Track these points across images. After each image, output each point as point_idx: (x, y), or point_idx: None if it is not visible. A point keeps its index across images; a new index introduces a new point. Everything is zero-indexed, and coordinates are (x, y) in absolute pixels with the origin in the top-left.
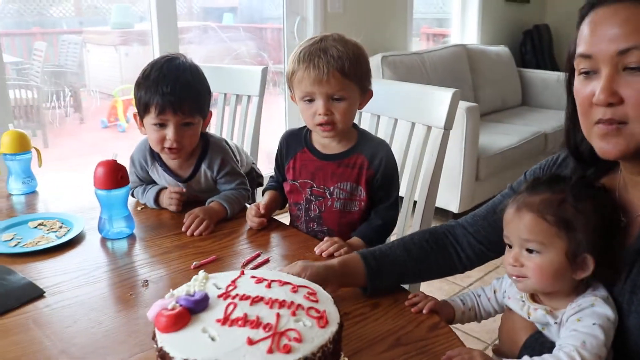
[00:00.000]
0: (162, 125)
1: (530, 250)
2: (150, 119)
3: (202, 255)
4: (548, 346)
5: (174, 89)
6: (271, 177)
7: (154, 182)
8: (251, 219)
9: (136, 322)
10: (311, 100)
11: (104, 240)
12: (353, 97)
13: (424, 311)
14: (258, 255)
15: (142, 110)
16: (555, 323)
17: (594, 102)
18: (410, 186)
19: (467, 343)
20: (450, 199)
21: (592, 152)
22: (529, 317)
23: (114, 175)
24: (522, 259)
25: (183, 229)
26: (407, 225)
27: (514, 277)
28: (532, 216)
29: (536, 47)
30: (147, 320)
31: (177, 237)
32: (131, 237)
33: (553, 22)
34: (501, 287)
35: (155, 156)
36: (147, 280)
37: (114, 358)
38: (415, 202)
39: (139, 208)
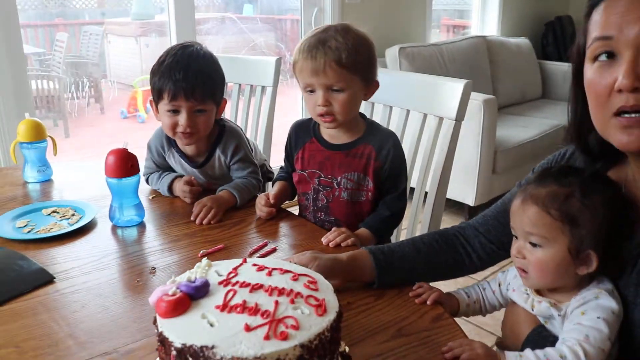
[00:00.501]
0: (175, 112)
1: (533, 244)
2: (164, 105)
3: (210, 243)
4: (551, 340)
5: (186, 76)
6: (281, 167)
7: (170, 169)
8: (260, 208)
9: (141, 309)
10: (312, 91)
11: (114, 228)
12: (354, 88)
13: (428, 302)
14: (265, 245)
15: (156, 96)
16: (559, 315)
17: (616, 88)
18: (422, 178)
19: (480, 337)
20: (466, 192)
21: (600, 146)
22: (532, 310)
23: (124, 164)
24: (525, 251)
25: (192, 217)
26: (417, 218)
27: (518, 270)
28: (537, 209)
29: (558, 38)
30: (152, 308)
31: (187, 226)
32: (141, 225)
33: (576, 13)
34: (505, 279)
35: (171, 142)
36: (154, 268)
37: (118, 342)
38: (426, 194)
39: (150, 197)
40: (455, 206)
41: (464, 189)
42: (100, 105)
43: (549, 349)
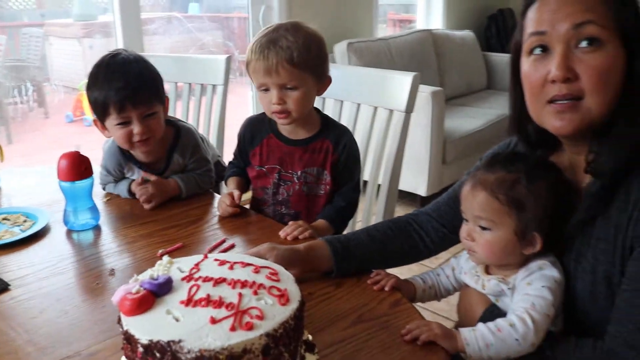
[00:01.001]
0: (125, 123)
1: (482, 227)
2: (112, 119)
3: (167, 243)
4: (503, 317)
5: (127, 83)
6: (230, 163)
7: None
8: (225, 208)
9: (103, 310)
10: (266, 90)
11: (69, 232)
12: (307, 85)
13: (386, 288)
14: (223, 241)
15: (101, 113)
16: (509, 289)
17: (550, 79)
18: (374, 170)
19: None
20: (418, 183)
21: (538, 135)
22: (483, 289)
23: (77, 167)
24: (475, 234)
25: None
26: (371, 210)
27: (467, 250)
28: (486, 195)
29: (501, 31)
30: (114, 308)
31: (143, 227)
32: (97, 228)
33: (517, 6)
34: (458, 264)
35: (127, 157)
36: (113, 269)
37: (80, 345)
38: (379, 187)
39: (104, 200)
40: (407, 197)
41: (416, 179)
42: (44, 109)
43: (499, 320)
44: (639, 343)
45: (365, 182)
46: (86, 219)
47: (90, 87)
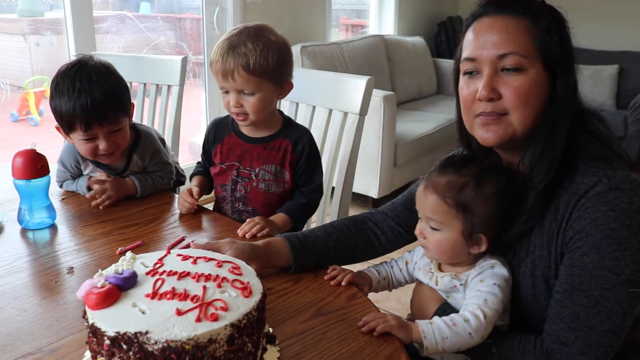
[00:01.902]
0: (92, 139)
1: (432, 227)
2: (78, 135)
3: (126, 241)
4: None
5: (94, 102)
6: (198, 163)
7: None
8: (182, 203)
9: (63, 307)
10: (227, 92)
11: (24, 231)
12: (264, 90)
13: (343, 283)
14: (182, 239)
15: (67, 126)
16: (461, 285)
17: (477, 98)
18: (329, 172)
19: None
20: (370, 185)
21: (477, 143)
22: (437, 285)
23: (33, 165)
24: (426, 232)
25: (87, 196)
26: (326, 211)
27: (422, 246)
28: (436, 198)
29: (450, 37)
30: (75, 305)
31: (101, 225)
32: (53, 227)
33: (465, 14)
34: (412, 259)
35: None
36: (72, 267)
37: (41, 342)
38: (333, 189)
39: (61, 198)
40: (360, 199)
41: (368, 182)
42: None
43: (454, 315)
44: (569, 339)
45: None
46: (42, 218)
47: (54, 97)
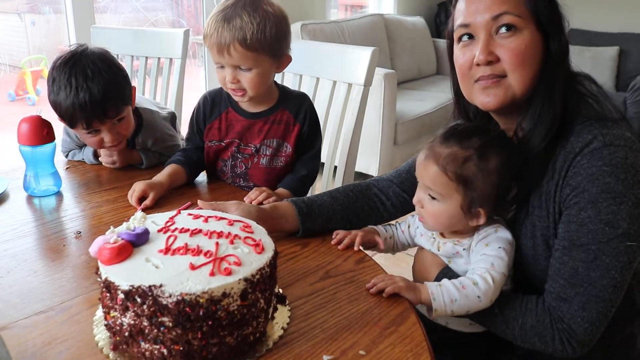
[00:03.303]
0: (95, 131)
1: (431, 197)
2: (81, 130)
3: (133, 207)
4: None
5: (93, 101)
6: (182, 150)
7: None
8: (129, 197)
9: (73, 269)
10: (222, 67)
11: (30, 198)
12: (262, 65)
13: (355, 248)
14: (190, 205)
15: (68, 124)
16: (464, 249)
17: (475, 63)
18: (332, 150)
19: None
20: (370, 163)
21: (475, 113)
22: (438, 251)
23: (39, 131)
24: (424, 202)
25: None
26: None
27: (418, 216)
28: (436, 169)
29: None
30: (84, 267)
31: (107, 192)
32: (59, 195)
33: None
34: (414, 223)
35: None
36: (79, 232)
37: (53, 301)
38: (335, 168)
39: (65, 167)
40: (360, 177)
41: (368, 160)
42: None
43: (462, 278)
44: (569, 296)
45: (323, 164)
46: (48, 185)
47: (51, 92)
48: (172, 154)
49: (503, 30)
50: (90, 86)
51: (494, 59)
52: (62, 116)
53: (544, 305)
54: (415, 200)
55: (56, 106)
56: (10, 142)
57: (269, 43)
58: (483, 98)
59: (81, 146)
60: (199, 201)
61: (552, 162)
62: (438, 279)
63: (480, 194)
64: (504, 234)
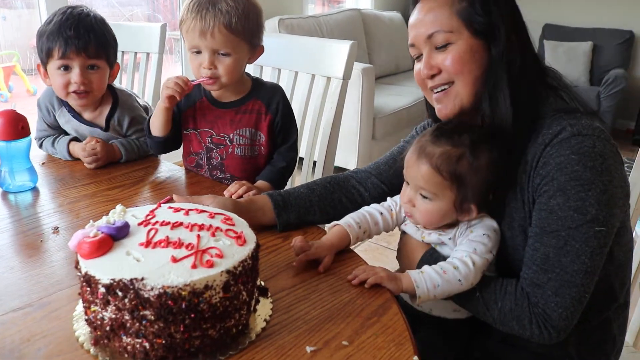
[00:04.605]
0: (66, 68)
1: (423, 196)
2: (54, 63)
3: (112, 202)
4: (441, 260)
5: (77, 31)
6: None
7: (61, 131)
8: (173, 84)
9: (50, 265)
10: (198, 52)
11: (5, 194)
12: (240, 52)
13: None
14: (170, 199)
15: (46, 55)
16: (450, 239)
17: (422, 77)
18: (310, 145)
19: None
20: (348, 157)
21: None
22: (423, 240)
23: (14, 125)
24: (416, 201)
25: (80, 153)
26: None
27: (406, 213)
28: (429, 168)
29: None
30: (63, 263)
31: (84, 188)
32: (35, 190)
33: None
34: (396, 205)
35: (62, 101)
36: (57, 227)
37: (31, 298)
38: (314, 163)
39: (41, 163)
40: (338, 171)
41: (346, 154)
42: None
43: (442, 263)
44: (542, 281)
45: (301, 159)
46: (23, 181)
47: (41, 32)
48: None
49: (438, 46)
50: (82, 20)
51: (437, 72)
52: (44, 40)
53: (523, 290)
54: (404, 199)
55: (41, 34)
56: None
57: (250, 30)
58: (438, 107)
59: (52, 127)
60: (174, 196)
61: (524, 155)
62: (423, 260)
63: (472, 190)
64: (490, 221)
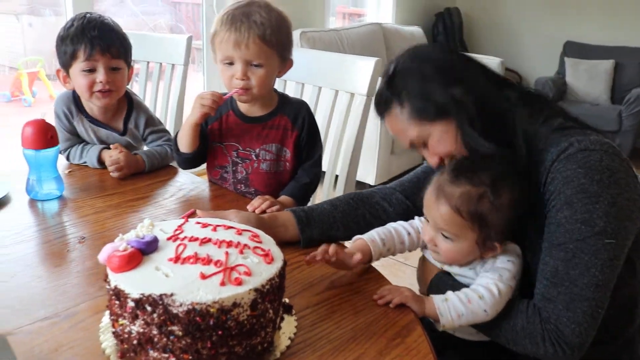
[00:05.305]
0: (90, 71)
1: (444, 236)
2: (78, 65)
3: (137, 214)
4: (450, 283)
5: (101, 32)
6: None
7: (83, 140)
8: (206, 97)
9: (77, 275)
10: (231, 64)
11: (32, 202)
12: (272, 64)
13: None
14: (194, 212)
15: (70, 58)
16: (471, 269)
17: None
18: (333, 160)
19: None
20: (368, 171)
21: None
22: (442, 268)
23: (43, 135)
24: (437, 240)
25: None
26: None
27: (430, 249)
28: (449, 210)
29: (447, 29)
30: (89, 274)
31: (109, 198)
32: (61, 199)
33: (463, 6)
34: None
35: (80, 108)
36: (83, 237)
37: (58, 307)
38: (337, 177)
39: (67, 171)
40: (357, 186)
41: (366, 168)
42: None
43: (468, 291)
44: (552, 295)
45: (323, 174)
46: (50, 189)
47: (62, 37)
48: (166, 143)
49: (427, 148)
50: (103, 22)
51: (440, 161)
52: (65, 48)
53: (535, 307)
54: (426, 238)
55: (64, 37)
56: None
57: (282, 42)
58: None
59: (70, 132)
60: (197, 211)
61: (536, 174)
62: (432, 283)
63: (495, 229)
64: (512, 246)
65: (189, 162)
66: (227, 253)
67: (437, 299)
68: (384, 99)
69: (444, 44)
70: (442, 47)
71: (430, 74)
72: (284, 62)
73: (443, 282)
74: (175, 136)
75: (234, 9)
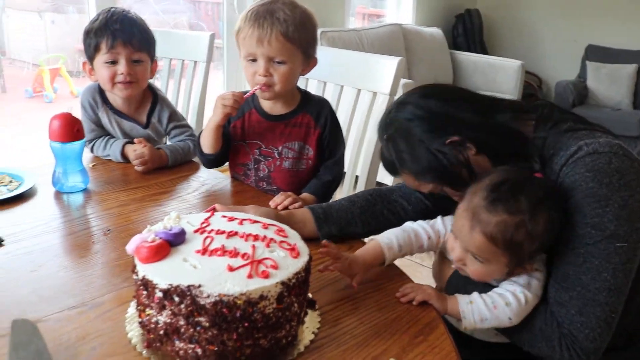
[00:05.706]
0: (113, 62)
1: (474, 256)
2: (101, 56)
3: (160, 207)
4: (470, 281)
5: (123, 25)
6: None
7: (107, 133)
8: (227, 97)
9: (102, 266)
10: (254, 60)
11: (58, 194)
12: (295, 61)
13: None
14: (214, 208)
15: (93, 50)
16: (495, 279)
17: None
18: (353, 160)
19: None
20: (385, 172)
21: None
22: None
23: (69, 128)
24: (467, 260)
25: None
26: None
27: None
28: (484, 239)
29: (467, 30)
30: (114, 265)
31: (133, 192)
32: (86, 192)
33: (483, 8)
34: (445, 232)
35: (105, 100)
36: (109, 229)
37: (85, 297)
38: (357, 178)
39: (91, 165)
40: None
41: (383, 169)
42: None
43: (494, 296)
44: (564, 300)
45: (344, 173)
46: (76, 182)
47: (88, 30)
48: (189, 138)
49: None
50: (126, 16)
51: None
52: (91, 36)
53: (550, 313)
54: (455, 257)
55: (88, 31)
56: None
57: (306, 40)
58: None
59: (96, 124)
60: (216, 205)
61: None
62: (451, 279)
63: (529, 254)
64: (540, 255)
65: (213, 162)
66: (253, 246)
67: (461, 301)
68: (388, 163)
69: (428, 86)
70: (425, 95)
71: (419, 135)
72: (308, 59)
73: (462, 280)
74: (199, 137)
75: (258, 6)
